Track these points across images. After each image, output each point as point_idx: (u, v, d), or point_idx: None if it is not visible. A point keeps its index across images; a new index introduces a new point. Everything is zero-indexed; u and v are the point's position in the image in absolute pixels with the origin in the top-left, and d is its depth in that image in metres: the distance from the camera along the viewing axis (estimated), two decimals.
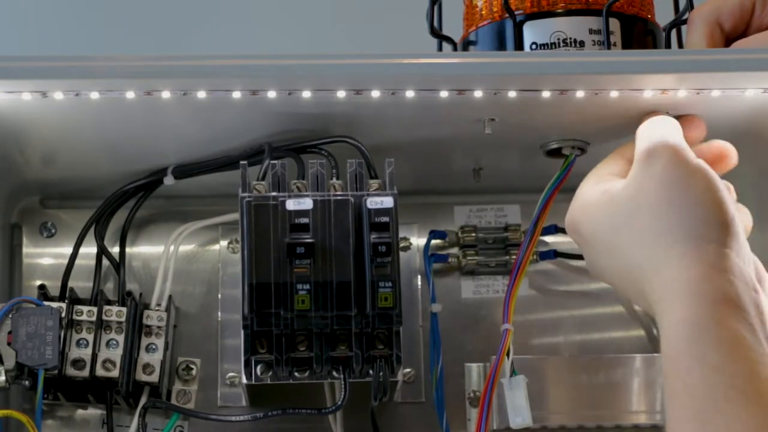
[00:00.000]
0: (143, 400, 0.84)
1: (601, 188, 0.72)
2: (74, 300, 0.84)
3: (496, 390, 0.82)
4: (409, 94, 0.75)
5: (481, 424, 0.80)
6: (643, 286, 0.66)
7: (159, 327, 0.84)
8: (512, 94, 0.76)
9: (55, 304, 0.79)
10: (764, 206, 0.85)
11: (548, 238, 0.91)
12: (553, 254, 0.90)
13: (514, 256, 0.89)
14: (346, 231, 0.76)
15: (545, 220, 0.82)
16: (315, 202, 0.76)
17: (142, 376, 0.83)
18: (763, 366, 0.60)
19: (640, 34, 0.83)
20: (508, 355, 0.81)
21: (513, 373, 0.82)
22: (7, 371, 0.75)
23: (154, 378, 0.83)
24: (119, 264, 0.87)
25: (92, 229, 0.86)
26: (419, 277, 0.91)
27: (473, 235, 0.91)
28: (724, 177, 0.71)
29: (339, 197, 0.77)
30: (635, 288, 0.68)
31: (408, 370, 0.89)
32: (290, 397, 0.84)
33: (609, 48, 0.80)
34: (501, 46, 0.83)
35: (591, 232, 0.71)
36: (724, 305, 0.62)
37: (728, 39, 0.81)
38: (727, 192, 0.68)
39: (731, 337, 0.60)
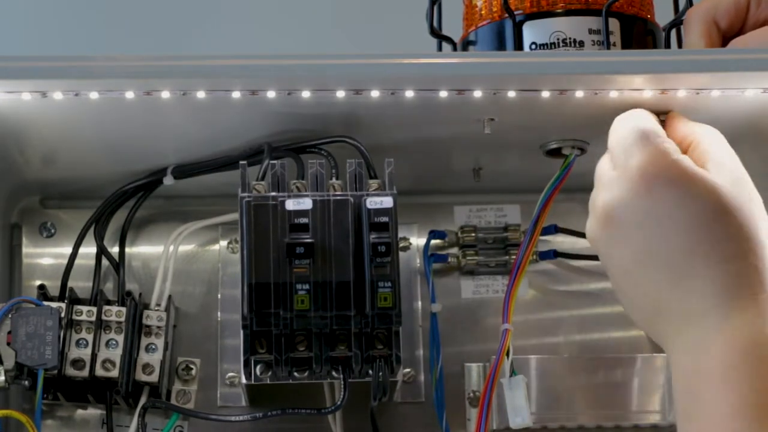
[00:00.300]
0: (143, 400, 0.84)
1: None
2: (74, 300, 0.84)
3: (496, 390, 0.82)
4: (409, 94, 0.75)
5: (480, 424, 0.80)
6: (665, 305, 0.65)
7: (159, 327, 0.84)
8: (512, 94, 0.76)
9: (54, 304, 0.79)
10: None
11: (548, 238, 0.91)
12: (553, 254, 0.90)
13: (513, 256, 0.89)
14: (345, 231, 0.76)
15: (545, 220, 0.82)
16: (314, 202, 0.76)
17: (141, 376, 0.83)
18: None
19: (639, 34, 0.83)
20: (507, 355, 0.81)
21: (513, 373, 0.82)
22: (6, 371, 0.75)
23: (153, 378, 0.83)
24: (119, 264, 0.87)
25: (92, 229, 0.86)
26: (419, 277, 0.91)
27: (473, 235, 0.91)
28: None
29: (338, 197, 0.77)
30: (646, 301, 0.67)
31: (408, 370, 0.89)
32: (290, 397, 0.84)
33: (609, 48, 0.80)
34: (501, 46, 0.83)
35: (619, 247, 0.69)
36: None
37: (725, 37, 0.81)
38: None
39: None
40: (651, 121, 0.71)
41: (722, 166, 0.68)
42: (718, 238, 0.64)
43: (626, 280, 0.68)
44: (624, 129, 0.71)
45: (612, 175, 0.70)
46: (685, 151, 0.70)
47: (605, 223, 0.69)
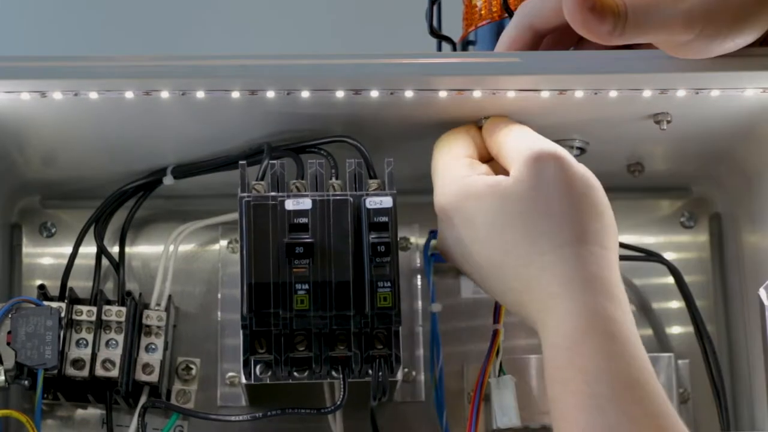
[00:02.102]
0: (143, 399, 0.84)
1: (485, 180, 0.73)
2: (74, 300, 0.84)
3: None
4: (409, 94, 0.75)
5: (471, 424, 0.81)
6: (528, 282, 0.69)
7: (159, 327, 0.84)
8: (511, 94, 0.76)
9: (54, 304, 0.79)
10: (761, 206, 0.85)
11: None
12: None
13: None
14: (345, 231, 0.76)
15: None
16: (314, 202, 0.76)
17: (141, 376, 0.83)
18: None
19: None
20: (497, 354, 0.82)
21: (501, 372, 0.82)
22: (6, 371, 0.75)
23: (153, 378, 0.83)
24: (119, 264, 0.87)
25: (92, 229, 0.86)
26: (419, 277, 0.91)
27: None
28: None
29: (338, 197, 0.77)
30: (514, 282, 0.71)
31: (408, 370, 0.89)
32: (290, 397, 0.84)
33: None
34: None
35: (475, 220, 0.73)
36: (609, 301, 0.67)
37: (545, 36, 0.78)
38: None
39: (618, 330, 0.65)
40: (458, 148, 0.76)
41: (517, 168, 0.72)
42: (545, 230, 0.69)
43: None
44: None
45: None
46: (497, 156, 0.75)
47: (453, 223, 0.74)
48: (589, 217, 0.70)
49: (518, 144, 0.73)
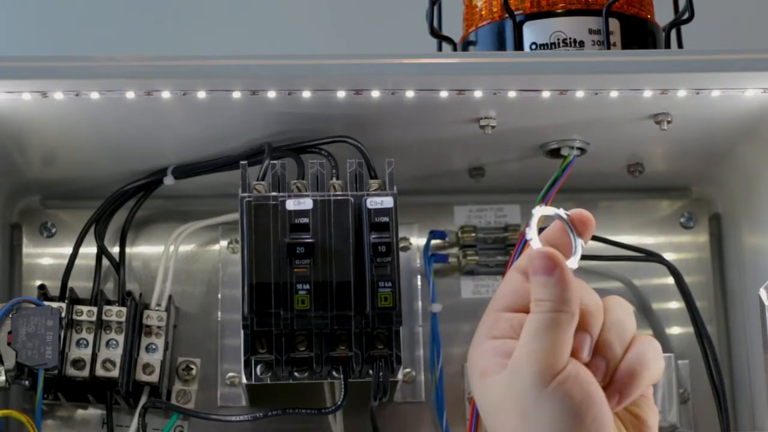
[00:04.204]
0: (143, 400, 0.84)
1: (489, 366, 0.57)
2: (74, 300, 0.84)
3: None
4: (409, 94, 0.75)
5: (471, 424, 0.81)
6: None
7: (159, 327, 0.84)
8: (512, 94, 0.76)
9: (55, 304, 0.79)
10: (759, 207, 0.85)
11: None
12: None
13: None
14: (345, 231, 0.76)
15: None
16: (315, 202, 0.76)
17: (142, 376, 0.83)
18: None
19: (639, 34, 0.83)
20: None
21: None
22: (7, 371, 0.75)
23: (154, 378, 0.83)
24: (119, 264, 0.87)
25: (92, 229, 0.86)
26: (419, 277, 0.91)
27: (473, 235, 0.91)
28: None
29: (339, 197, 0.77)
30: None
31: (408, 370, 0.89)
32: (290, 397, 0.84)
33: (609, 48, 0.80)
34: (501, 46, 0.83)
35: (486, 405, 0.59)
36: None
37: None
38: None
39: None
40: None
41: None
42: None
43: None
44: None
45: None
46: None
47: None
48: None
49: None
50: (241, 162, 0.79)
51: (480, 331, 0.58)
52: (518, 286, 0.58)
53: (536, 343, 0.55)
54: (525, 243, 0.82)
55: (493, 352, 0.56)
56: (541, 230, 0.59)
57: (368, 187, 0.78)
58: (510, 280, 0.58)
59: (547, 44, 0.81)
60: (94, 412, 0.88)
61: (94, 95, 0.74)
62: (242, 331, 0.75)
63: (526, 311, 0.56)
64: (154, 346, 0.84)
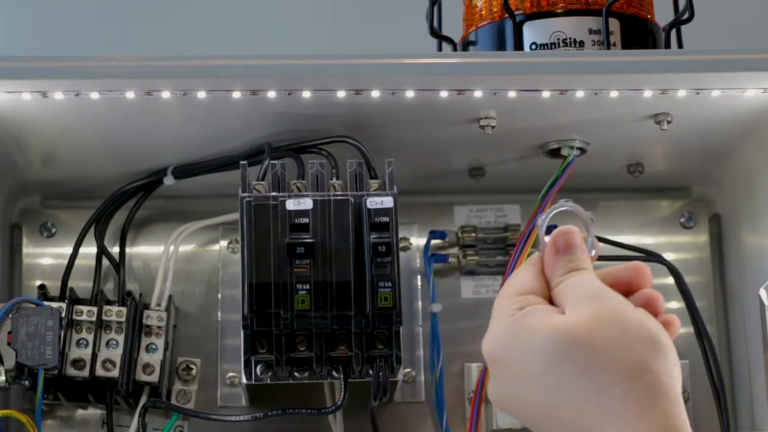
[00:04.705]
0: (143, 400, 0.84)
1: (535, 312, 0.63)
2: (74, 300, 0.84)
3: None
4: (409, 94, 0.75)
5: (471, 424, 0.81)
6: (584, 423, 0.61)
7: (159, 327, 0.84)
8: (512, 94, 0.76)
9: (55, 304, 0.79)
10: (759, 207, 0.85)
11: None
12: None
13: None
14: (345, 231, 0.76)
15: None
16: (315, 202, 0.76)
17: (142, 376, 0.83)
18: None
19: (639, 34, 0.83)
20: None
21: None
22: (7, 371, 0.75)
23: (154, 378, 0.83)
24: (119, 264, 0.87)
25: (92, 229, 0.86)
26: (419, 277, 0.91)
27: (473, 235, 0.91)
28: None
29: (339, 197, 0.77)
30: (571, 423, 0.63)
31: (408, 370, 0.89)
32: (290, 397, 0.84)
33: (609, 48, 0.80)
34: (501, 46, 0.83)
35: (525, 356, 0.62)
36: None
37: None
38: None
39: None
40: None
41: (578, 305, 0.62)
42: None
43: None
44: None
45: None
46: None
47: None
48: (651, 349, 0.63)
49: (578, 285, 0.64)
50: (241, 162, 0.79)
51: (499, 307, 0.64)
52: (531, 275, 0.63)
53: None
54: (525, 243, 0.82)
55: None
56: (549, 228, 0.61)
57: (368, 187, 0.78)
58: (523, 270, 0.63)
59: (547, 44, 0.81)
60: (94, 412, 0.88)
61: (94, 95, 0.74)
62: (242, 331, 0.75)
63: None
64: (154, 346, 0.84)
